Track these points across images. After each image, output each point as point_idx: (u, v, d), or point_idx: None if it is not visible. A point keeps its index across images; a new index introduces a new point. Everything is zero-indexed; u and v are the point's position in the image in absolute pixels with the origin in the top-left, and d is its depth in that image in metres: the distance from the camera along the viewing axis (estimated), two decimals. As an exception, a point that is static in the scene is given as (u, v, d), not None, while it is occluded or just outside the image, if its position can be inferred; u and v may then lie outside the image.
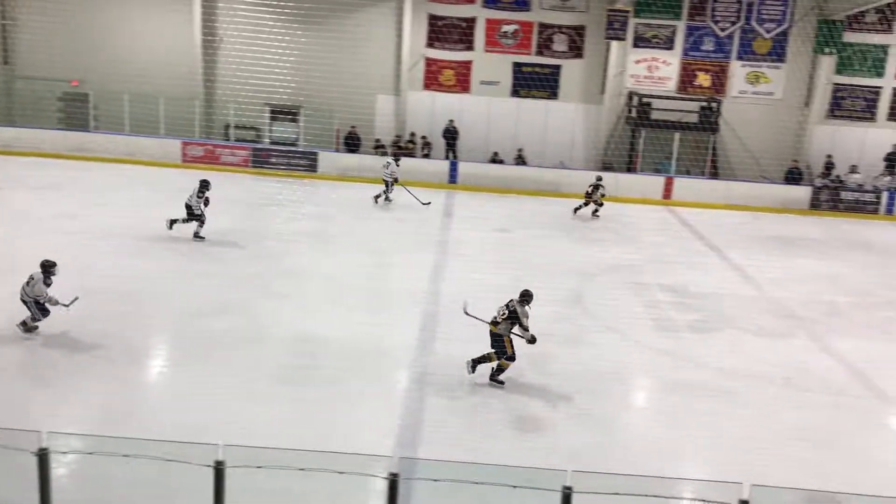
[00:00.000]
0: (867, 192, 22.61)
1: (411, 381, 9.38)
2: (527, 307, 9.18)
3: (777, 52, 23.48)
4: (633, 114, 23.62)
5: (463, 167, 22.89)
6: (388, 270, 13.94)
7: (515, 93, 24.18)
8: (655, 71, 23.86)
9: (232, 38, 23.28)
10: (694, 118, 23.41)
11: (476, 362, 9.30)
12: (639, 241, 17.88)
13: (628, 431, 8.55)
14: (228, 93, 23.50)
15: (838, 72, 23.56)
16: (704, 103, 23.57)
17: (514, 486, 4.20)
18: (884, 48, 23.34)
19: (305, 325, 10.76)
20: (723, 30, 23.37)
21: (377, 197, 19.42)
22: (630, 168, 23.54)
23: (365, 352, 10.05)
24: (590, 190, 19.80)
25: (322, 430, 7.88)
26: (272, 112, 24.19)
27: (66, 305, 9.64)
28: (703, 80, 23.82)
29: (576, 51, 23.90)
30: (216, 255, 14.10)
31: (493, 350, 9.23)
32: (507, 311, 9.15)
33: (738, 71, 23.74)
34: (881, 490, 5.38)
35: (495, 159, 23.61)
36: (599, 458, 7.46)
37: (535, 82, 23.99)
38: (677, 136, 23.22)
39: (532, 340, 9.18)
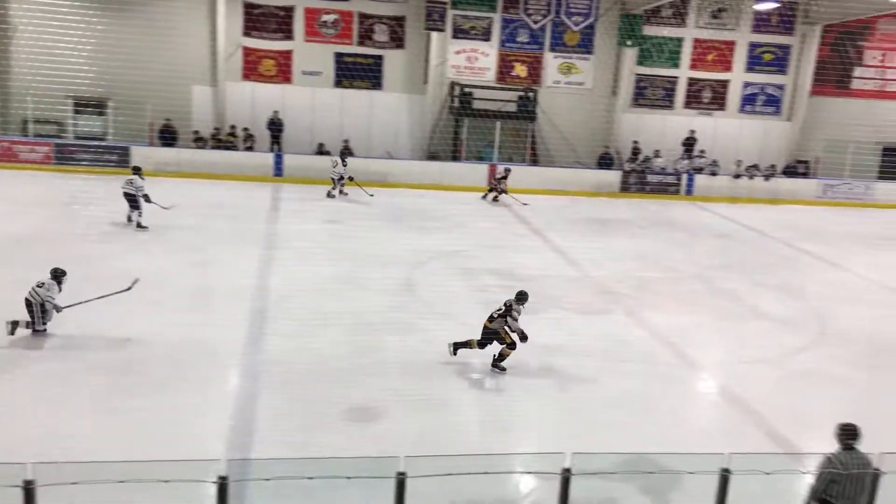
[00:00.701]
0: (669, 174, 24.44)
1: (242, 380, 9.07)
2: (522, 306, 9.57)
3: (585, 45, 24.82)
4: (456, 103, 24.11)
5: (288, 159, 22.44)
6: (211, 268, 13.38)
7: (339, 83, 23.99)
8: (475, 62, 24.49)
9: (27, 26, 21.40)
10: (513, 107, 24.28)
11: (458, 346, 9.76)
12: (466, 227, 18.30)
13: (461, 413, 8.71)
14: (25, 85, 21.62)
15: (640, 63, 25.27)
16: (522, 93, 24.48)
17: (349, 478, 4.15)
18: (678, 40, 25.29)
19: (124, 330, 10.09)
20: (535, 22, 24.36)
21: (329, 194, 20.32)
22: (455, 157, 24.04)
23: (191, 354, 9.59)
24: (498, 177, 21.17)
25: (148, 439, 7.43)
26: (76, 105, 22.50)
27: (128, 288, 10.18)
28: (520, 70, 24.73)
29: (397, 41, 24.04)
30: (19, 261, 12.92)
31: (500, 344, 9.63)
32: (503, 308, 9.58)
33: (551, 62, 24.86)
34: (692, 448, 5.84)
35: (322, 151, 23.31)
36: (433, 442, 7.54)
37: (358, 73, 23.91)
38: (499, 124, 23.95)
39: (523, 337, 9.47)
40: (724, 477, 4.70)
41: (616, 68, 25.10)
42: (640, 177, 24.18)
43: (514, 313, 9.55)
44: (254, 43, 23.32)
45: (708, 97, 25.81)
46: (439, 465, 4.38)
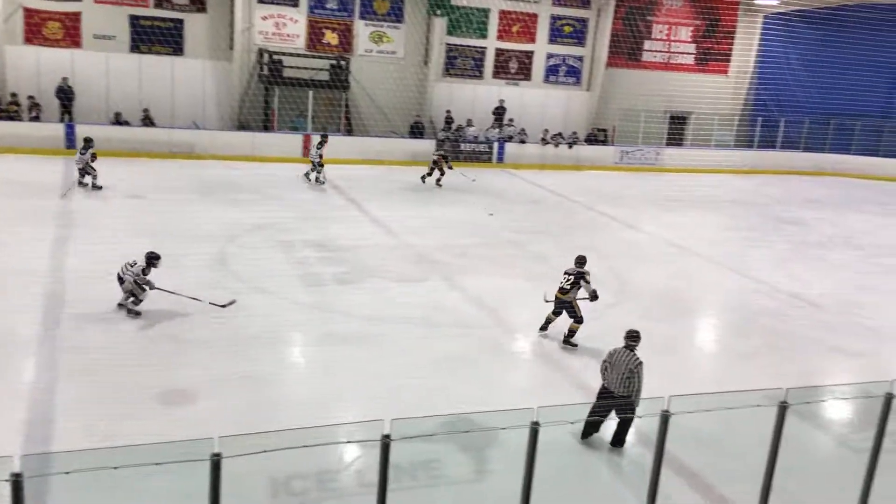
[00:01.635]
0: (481, 143, 25.15)
1: (38, 369, 8.35)
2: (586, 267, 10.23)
3: (395, 13, 24.82)
4: (266, 71, 23.35)
5: (81, 130, 20.74)
6: (-3, 250, 12.19)
7: (135, 48, 22.45)
8: (283, 28, 23.78)
9: None
10: (325, 76, 23.88)
11: (544, 327, 10.46)
12: (281, 199, 17.89)
13: (281, 389, 8.55)
14: None
15: (450, 33, 25.67)
16: (334, 61, 24.12)
17: (159, 464, 3.94)
18: (485, 11, 25.91)
19: None
20: (345, -12, 24.04)
21: (307, 175, 19.77)
22: (267, 126, 23.34)
23: (-25, 346, 8.71)
24: (436, 158, 20.87)
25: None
26: None
27: (222, 306, 10.17)
28: (331, 38, 24.33)
29: (198, 4, 22.82)
30: None
31: (570, 318, 10.18)
32: (572, 278, 10.07)
33: (362, 30, 24.65)
34: (507, 405, 6.08)
35: (119, 120, 21.78)
36: (252, 420, 7.35)
37: (156, 37, 22.48)
38: (311, 93, 23.50)
39: (594, 297, 10.05)
40: (534, 429, 4.95)
41: (427, 38, 25.34)
42: (454, 146, 24.68)
43: (588, 276, 10.09)
44: (36, 3, 21.23)
45: (515, 67, 26.75)
46: (256, 443, 4.26)
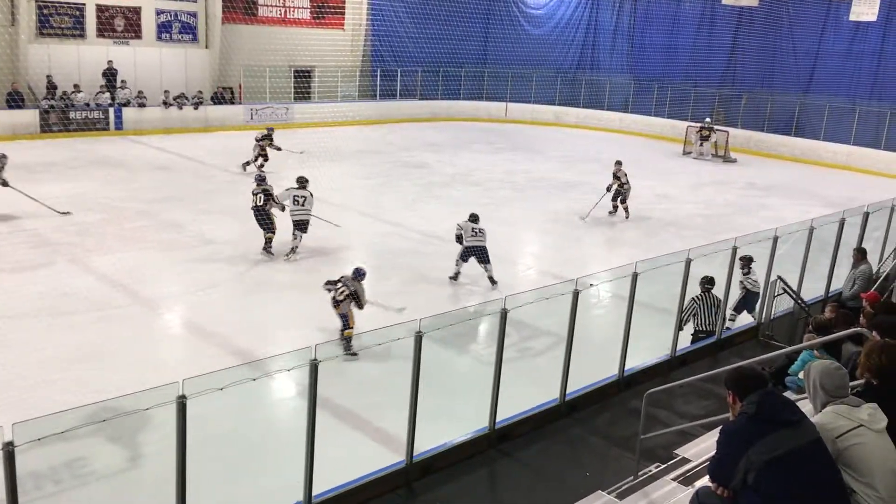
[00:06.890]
0: (94, 109, 22.96)
1: None
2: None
3: (-34, -36, 21.36)
4: None
5: None
6: None
7: None
8: None
9: None
10: None
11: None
12: None
13: None
14: None
15: (38, -12, 22.80)
16: None
17: None
18: (77, -36, 23.40)
19: None
20: None
21: None
22: None
23: None
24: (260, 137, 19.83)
25: None
26: None
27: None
28: None
29: None
30: None
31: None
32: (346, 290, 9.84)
33: (-78, -15, 20.83)
34: (160, 382, 5.72)
35: None
36: None
37: None
38: None
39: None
40: (182, 404, 4.79)
41: (10, -6, 22.22)
42: (62, 114, 22.21)
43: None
44: None
45: (122, 25, 24.63)
46: None
